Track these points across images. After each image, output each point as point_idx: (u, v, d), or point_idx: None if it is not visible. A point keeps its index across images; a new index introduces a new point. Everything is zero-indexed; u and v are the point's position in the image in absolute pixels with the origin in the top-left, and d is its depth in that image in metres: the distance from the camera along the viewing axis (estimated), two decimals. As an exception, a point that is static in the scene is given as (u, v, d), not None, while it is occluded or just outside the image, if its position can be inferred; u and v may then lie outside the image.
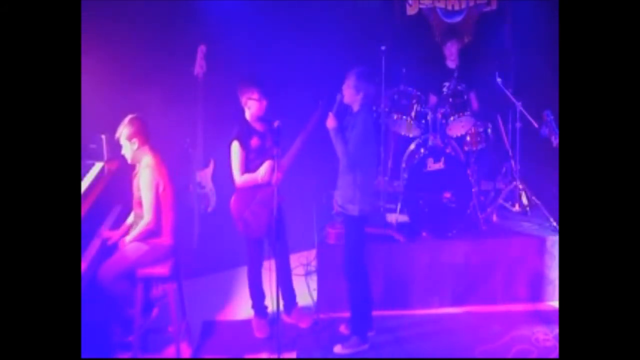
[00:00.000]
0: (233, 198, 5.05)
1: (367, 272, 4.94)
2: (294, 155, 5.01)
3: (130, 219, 4.87)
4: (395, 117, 6.11)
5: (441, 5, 7.03)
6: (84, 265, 4.34)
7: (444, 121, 6.01)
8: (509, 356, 4.89)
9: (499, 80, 6.11)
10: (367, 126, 4.73)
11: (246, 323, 5.33)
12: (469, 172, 5.77)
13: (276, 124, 4.72)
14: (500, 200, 6.11)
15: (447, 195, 5.67)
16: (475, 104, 6.24)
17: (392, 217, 5.88)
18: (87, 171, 5.16)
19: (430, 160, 5.66)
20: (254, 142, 4.97)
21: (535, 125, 5.67)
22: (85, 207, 4.62)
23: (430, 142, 5.94)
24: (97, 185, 5.09)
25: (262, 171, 4.94)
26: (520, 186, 6.12)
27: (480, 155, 6.22)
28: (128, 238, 4.71)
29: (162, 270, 4.68)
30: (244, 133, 4.96)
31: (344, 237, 4.96)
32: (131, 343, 4.80)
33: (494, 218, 5.96)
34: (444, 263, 5.60)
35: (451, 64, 6.36)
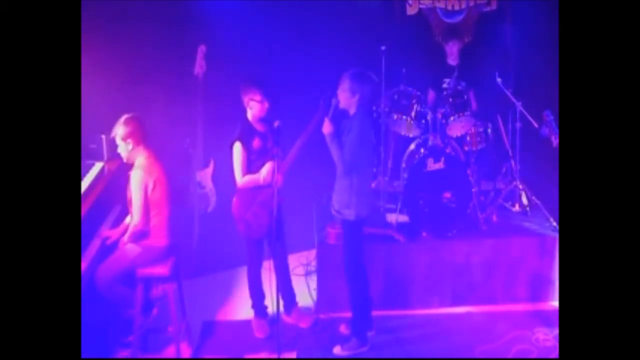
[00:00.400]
0: (234, 199, 5.05)
1: (366, 273, 4.94)
2: (295, 156, 5.01)
3: (128, 219, 4.87)
4: (395, 117, 6.11)
5: (441, 5, 7.03)
6: (84, 265, 4.34)
7: (444, 121, 6.01)
8: (509, 356, 4.89)
9: (499, 80, 6.11)
10: (363, 129, 4.69)
11: (246, 323, 5.33)
12: (469, 172, 5.77)
13: (276, 124, 4.72)
14: (500, 200, 6.11)
15: (447, 195, 5.67)
16: (474, 104, 6.24)
17: (392, 217, 5.88)
18: (87, 171, 5.16)
19: (430, 160, 5.66)
20: (256, 143, 4.97)
21: (535, 125, 5.67)
22: (85, 207, 4.62)
23: (430, 142, 5.94)
24: (97, 185, 5.09)
25: (264, 172, 4.94)
26: (520, 186, 6.12)
27: (480, 155, 6.22)
28: (125, 237, 4.71)
29: (161, 270, 4.68)
30: (246, 134, 4.96)
31: (343, 240, 4.96)
32: (131, 343, 4.80)
33: (494, 218, 5.96)
34: (444, 263, 5.60)
35: (451, 62, 6.36)
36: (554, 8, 4.48)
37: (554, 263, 5.54)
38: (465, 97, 6.06)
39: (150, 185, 4.62)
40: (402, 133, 6.21)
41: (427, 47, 6.95)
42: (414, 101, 6.10)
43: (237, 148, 4.93)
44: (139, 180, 4.60)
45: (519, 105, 5.96)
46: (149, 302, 4.97)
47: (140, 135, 4.66)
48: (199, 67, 5.85)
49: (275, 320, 4.95)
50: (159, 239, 4.70)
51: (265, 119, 5.00)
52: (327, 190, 5.35)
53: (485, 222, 5.83)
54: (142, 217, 4.62)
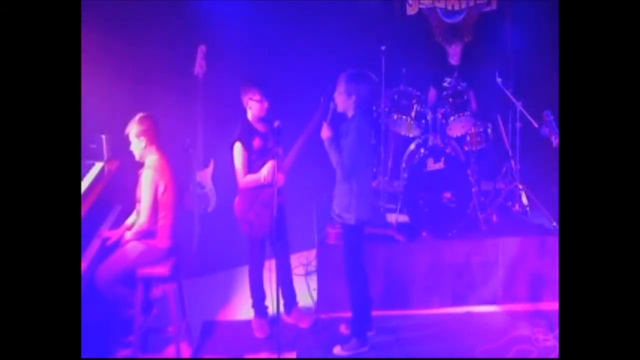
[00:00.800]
0: (237, 199, 5.05)
1: (366, 275, 4.94)
2: (296, 155, 5.01)
3: (131, 219, 4.87)
4: (395, 117, 6.11)
5: (441, 5, 7.03)
6: (84, 265, 4.34)
7: (444, 121, 6.01)
8: (509, 356, 4.89)
9: (499, 80, 6.11)
10: (361, 132, 4.68)
11: (246, 323, 5.33)
12: (469, 172, 5.77)
13: (276, 123, 4.72)
14: (500, 200, 6.11)
15: (447, 195, 5.67)
16: (474, 104, 6.24)
17: (392, 217, 5.88)
18: (87, 171, 5.16)
19: (430, 160, 5.65)
20: (256, 143, 4.97)
21: (535, 125, 5.67)
22: (85, 207, 4.62)
23: (430, 142, 5.94)
24: (97, 185, 5.08)
25: (265, 172, 4.94)
26: (520, 186, 6.12)
27: (480, 155, 6.22)
28: (127, 236, 4.71)
29: (162, 270, 4.68)
30: (246, 134, 4.96)
31: (343, 242, 4.96)
32: (131, 343, 4.80)
33: (494, 218, 5.96)
34: (444, 263, 5.60)
35: (453, 62, 6.35)
36: (554, 8, 4.48)
37: (554, 263, 5.53)
38: (465, 97, 6.06)
39: (161, 187, 4.63)
40: (402, 133, 6.20)
41: (427, 47, 6.95)
42: (414, 101, 6.09)
43: (238, 148, 4.93)
44: (151, 180, 4.61)
45: (519, 105, 5.96)
46: (149, 302, 4.97)
47: (154, 134, 4.68)
48: (199, 67, 5.85)
49: (275, 320, 4.96)
50: (162, 240, 4.71)
51: (265, 119, 5.00)
52: (327, 190, 5.36)
53: (485, 222, 5.83)
54: (150, 217, 4.63)
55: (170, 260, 4.74)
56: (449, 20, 7.06)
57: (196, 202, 5.91)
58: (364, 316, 5.00)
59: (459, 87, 6.07)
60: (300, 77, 6.22)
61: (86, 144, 5.26)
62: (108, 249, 4.75)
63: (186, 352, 4.93)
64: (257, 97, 4.92)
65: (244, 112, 5.02)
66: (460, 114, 6.00)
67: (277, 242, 5.00)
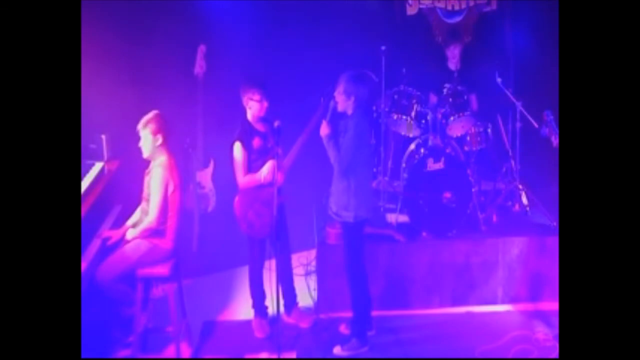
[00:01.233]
0: (236, 199, 5.05)
1: (366, 274, 4.94)
2: (296, 155, 5.01)
3: (133, 219, 4.86)
4: (395, 117, 6.11)
5: (441, 5, 7.03)
6: (84, 265, 4.33)
7: (444, 121, 6.01)
8: (509, 356, 4.89)
9: (499, 80, 6.10)
10: (359, 130, 4.70)
11: (246, 323, 5.33)
12: (469, 172, 5.77)
13: (276, 123, 4.72)
14: (500, 200, 6.10)
15: (447, 195, 5.67)
16: (475, 105, 6.24)
17: (392, 217, 5.88)
18: (87, 171, 5.15)
19: (430, 160, 5.66)
20: (256, 142, 4.97)
21: (535, 125, 5.67)
22: (85, 207, 4.61)
23: (430, 142, 5.93)
24: (97, 185, 5.08)
25: (264, 171, 4.94)
26: (520, 186, 6.12)
27: (480, 155, 6.22)
28: (131, 234, 4.70)
29: (162, 270, 4.68)
30: (246, 134, 4.96)
31: (343, 241, 4.96)
32: (131, 343, 4.80)
33: (494, 218, 5.96)
34: (444, 263, 5.60)
35: (452, 65, 6.35)
36: (554, 8, 4.48)
37: (554, 263, 5.52)
38: (465, 97, 6.06)
39: (171, 186, 4.64)
40: (402, 133, 6.20)
41: (427, 47, 6.95)
42: (414, 101, 6.09)
43: (237, 148, 4.93)
44: (162, 178, 4.61)
45: (519, 105, 5.96)
46: (149, 302, 4.97)
47: (167, 134, 4.68)
48: (199, 67, 5.85)
49: (275, 320, 4.96)
50: (166, 241, 4.71)
51: (265, 119, 5.00)
52: (327, 190, 5.35)
53: (485, 222, 5.83)
54: (159, 215, 4.63)
55: (170, 261, 4.74)
56: (449, 21, 7.06)
57: (196, 202, 5.91)
58: (364, 316, 5.00)
59: (459, 88, 6.07)
60: (300, 77, 6.22)
61: (86, 144, 5.26)
62: (108, 249, 4.75)
63: (186, 352, 4.93)
64: (256, 97, 4.93)
65: (243, 112, 5.02)
66: (460, 114, 6.00)
67: (277, 241, 5.00)
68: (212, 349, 5.09)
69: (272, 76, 5.74)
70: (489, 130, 6.22)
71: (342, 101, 4.71)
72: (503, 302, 5.65)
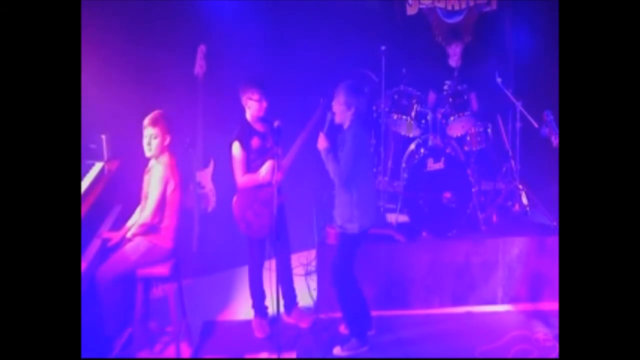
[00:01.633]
0: (235, 199, 5.05)
1: (354, 278, 4.88)
2: (295, 155, 5.01)
3: (133, 219, 4.86)
4: (395, 117, 6.11)
5: (441, 5, 7.03)
6: (83, 266, 4.33)
7: (444, 121, 6.01)
8: (509, 356, 4.89)
9: (499, 80, 6.11)
10: (358, 141, 4.65)
11: (246, 323, 5.33)
12: (469, 172, 5.77)
13: (276, 124, 4.72)
14: (500, 200, 6.10)
15: (447, 195, 5.67)
16: (475, 105, 6.24)
17: (392, 217, 5.88)
18: (87, 171, 5.16)
19: (430, 160, 5.66)
20: (255, 142, 4.97)
21: (535, 125, 5.67)
22: (85, 207, 4.61)
23: (430, 142, 5.94)
24: (97, 185, 5.08)
25: (263, 171, 4.94)
26: (520, 186, 6.12)
27: (480, 155, 6.22)
28: (129, 231, 4.71)
29: (162, 270, 4.67)
30: (245, 133, 4.96)
31: (336, 253, 4.90)
32: (131, 343, 4.80)
33: (494, 218, 5.96)
34: (444, 263, 5.60)
35: (453, 63, 6.36)
36: (554, 8, 4.48)
37: (554, 263, 5.52)
38: (465, 97, 6.06)
39: (171, 185, 4.64)
40: (402, 133, 6.20)
41: (427, 47, 6.95)
42: (414, 101, 6.09)
43: (236, 147, 4.93)
44: (162, 176, 4.61)
45: (519, 105, 5.96)
46: (148, 302, 4.97)
47: (171, 134, 4.68)
48: (199, 67, 5.85)
49: (275, 320, 4.96)
50: (165, 241, 4.70)
51: (264, 119, 5.00)
52: (327, 190, 5.36)
53: (485, 222, 5.83)
54: (155, 212, 4.62)
55: (170, 261, 4.73)
56: (449, 21, 7.06)
57: (196, 202, 5.91)
58: (361, 316, 4.98)
59: (459, 87, 6.07)
60: (300, 77, 6.22)
61: (86, 144, 5.26)
62: (109, 250, 4.74)
63: (186, 352, 4.93)
64: (256, 96, 4.93)
65: (243, 111, 5.02)
66: (460, 114, 6.00)
67: (277, 242, 5.00)
68: (212, 349, 5.09)
69: (272, 76, 5.74)
70: (489, 130, 6.22)
71: (341, 112, 4.65)
72: (503, 302, 5.65)
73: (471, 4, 7.05)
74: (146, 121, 4.63)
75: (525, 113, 5.92)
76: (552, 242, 5.53)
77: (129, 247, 4.68)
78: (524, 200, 6.14)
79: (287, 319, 5.31)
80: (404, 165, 6.05)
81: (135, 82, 5.56)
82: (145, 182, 4.73)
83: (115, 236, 4.79)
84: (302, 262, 6.12)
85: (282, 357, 4.63)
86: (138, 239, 4.68)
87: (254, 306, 5.27)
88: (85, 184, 4.93)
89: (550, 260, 5.53)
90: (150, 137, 4.62)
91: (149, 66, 5.71)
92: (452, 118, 6.00)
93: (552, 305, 5.48)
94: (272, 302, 4.89)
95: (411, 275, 5.60)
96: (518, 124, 6.02)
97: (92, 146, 5.41)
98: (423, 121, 6.12)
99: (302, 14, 6.35)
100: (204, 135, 5.95)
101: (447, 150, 5.81)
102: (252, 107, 4.96)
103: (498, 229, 5.85)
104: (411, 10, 7.04)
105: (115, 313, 4.88)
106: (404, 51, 6.64)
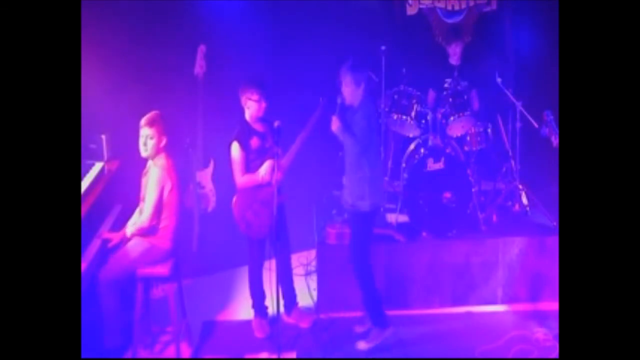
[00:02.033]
0: (234, 199, 5.05)
1: (371, 268, 4.93)
2: (294, 155, 5.01)
3: (132, 220, 4.85)
4: (395, 117, 6.10)
5: (441, 5, 7.03)
6: (83, 266, 4.34)
7: (444, 121, 6.01)
8: (509, 356, 4.89)
9: (499, 80, 6.11)
10: (369, 118, 4.72)
11: (246, 323, 5.33)
12: (469, 172, 5.77)
13: (276, 124, 4.73)
14: (500, 200, 6.10)
15: (447, 195, 5.67)
16: (476, 104, 6.24)
17: (392, 217, 5.88)
18: (87, 171, 5.16)
19: (430, 160, 5.66)
20: (254, 142, 4.97)
21: (535, 125, 5.67)
22: (85, 207, 4.62)
23: (430, 142, 5.93)
24: (97, 185, 5.08)
25: (263, 171, 4.94)
26: (520, 186, 6.12)
27: (480, 155, 6.22)
28: (129, 233, 4.71)
29: (162, 270, 4.67)
30: (244, 134, 4.96)
31: (351, 235, 4.94)
32: (132, 343, 4.80)
33: (494, 218, 5.96)
34: (444, 263, 5.60)
35: (453, 61, 6.35)
36: (554, 8, 4.49)
37: (554, 263, 5.52)
38: (466, 97, 6.06)
39: (168, 187, 4.63)
40: (402, 133, 6.20)
41: (427, 47, 6.95)
42: (414, 101, 6.09)
43: (235, 148, 4.93)
44: (158, 179, 4.60)
45: (519, 105, 5.96)
46: (149, 302, 4.97)
47: (167, 136, 4.68)
48: (199, 67, 5.85)
49: (275, 320, 4.96)
50: (164, 241, 4.70)
51: (264, 119, 5.00)
52: (327, 190, 5.35)
53: (485, 222, 5.83)
54: (153, 215, 4.61)
55: (170, 261, 4.74)
56: (449, 20, 7.06)
57: (196, 202, 5.91)
58: (376, 305, 4.97)
59: (459, 87, 6.07)
60: (300, 77, 6.22)
61: (86, 144, 5.26)
62: (109, 251, 4.74)
63: (186, 352, 4.93)
64: (255, 97, 4.93)
65: (243, 111, 5.02)
66: (460, 114, 6.00)
67: (277, 241, 5.00)
68: (212, 349, 5.09)
69: (272, 76, 5.73)
70: (489, 130, 6.22)
71: (352, 92, 4.70)
72: (503, 302, 5.65)
73: (471, 4, 7.05)
74: (143, 121, 4.61)
75: (525, 113, 5.93)
76: (552, 242, 5.53)
77: (127, 247, 4.68)
78: (524, 200, 6.14)
79: (287, 319, 5.31)
80: (404, 165, 6.05)
81: (135, 82, 5.56)
82: (142, 184, 4.73)
83: (115, 237, 4.79)
84: (302, 262, 6.12)
85: (282, 357, 4.63)
86: (137, 239, 4.68)
87: (254, 306, 5.27)
88: (85, 184, 4.93)
89: (550, 260, 5.53)
90: (146, 138, 4.61)
91: (149, 66, 5.72)
92: (452, 118, 6.00)
93: (552, 306, 5.48)
94: (272, 302, 4.89)
95: (411, 275, 5.60)
96: (518, 124, 6.02)
97: (92, 146, 5.41)
98: (423, 121, 6.12)
99: (302, 13, 6.35)
100: (204, 135, 5.95)
101: (447, 150, 5.81)
102: (251, 107, 4.96)
103: (498, 229, 5.85)
104: (411, 10, 7.04)
105: (115, 313, 4.89)
106: (404, 51, 6.64)
